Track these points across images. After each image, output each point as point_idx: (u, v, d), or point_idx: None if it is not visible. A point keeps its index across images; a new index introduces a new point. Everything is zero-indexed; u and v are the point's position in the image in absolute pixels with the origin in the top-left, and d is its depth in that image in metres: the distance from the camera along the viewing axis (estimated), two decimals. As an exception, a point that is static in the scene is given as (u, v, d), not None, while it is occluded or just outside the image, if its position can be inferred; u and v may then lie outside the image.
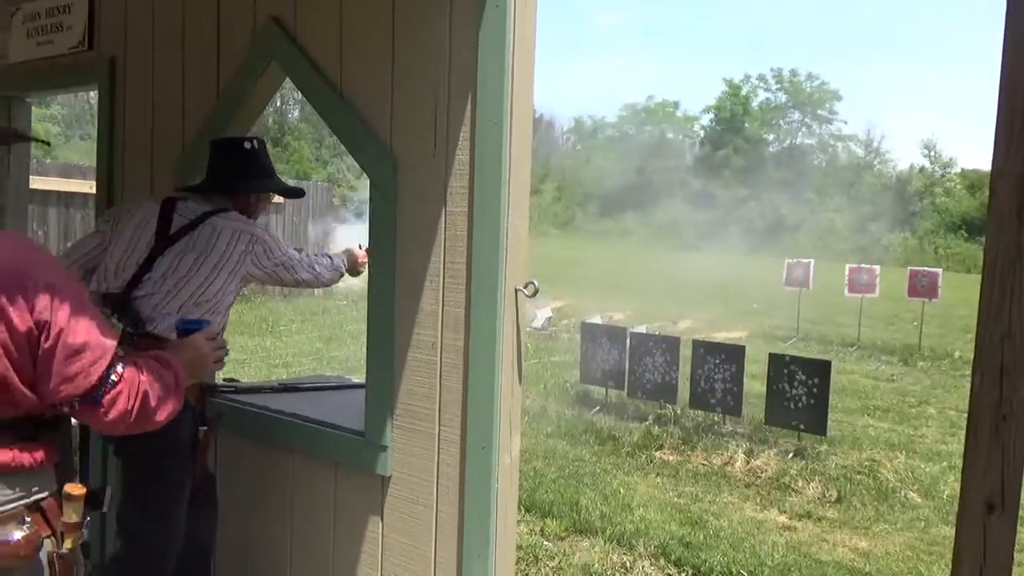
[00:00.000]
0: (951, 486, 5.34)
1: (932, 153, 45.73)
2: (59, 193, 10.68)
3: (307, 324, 11.35)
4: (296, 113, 37.64)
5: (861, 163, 47.64)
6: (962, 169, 43.66)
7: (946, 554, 4.13)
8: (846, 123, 50.64)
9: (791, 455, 5.87)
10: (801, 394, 5.88)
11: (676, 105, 54.06)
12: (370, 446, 2.07)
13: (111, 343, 1.36)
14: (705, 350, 6.49)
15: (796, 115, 50.84)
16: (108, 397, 1.34)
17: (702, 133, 52.46)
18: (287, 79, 2.41)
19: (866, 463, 5.80)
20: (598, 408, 7.06)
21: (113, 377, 1.34)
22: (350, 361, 8.58)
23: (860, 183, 43.59)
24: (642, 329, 7.78)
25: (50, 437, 1.39)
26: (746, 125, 49.08)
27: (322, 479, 2.24)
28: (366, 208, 2.11)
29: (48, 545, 1.36)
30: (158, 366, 1.47)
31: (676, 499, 5.02)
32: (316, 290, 11.43)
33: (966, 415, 1.09)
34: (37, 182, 9.65)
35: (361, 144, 2.09)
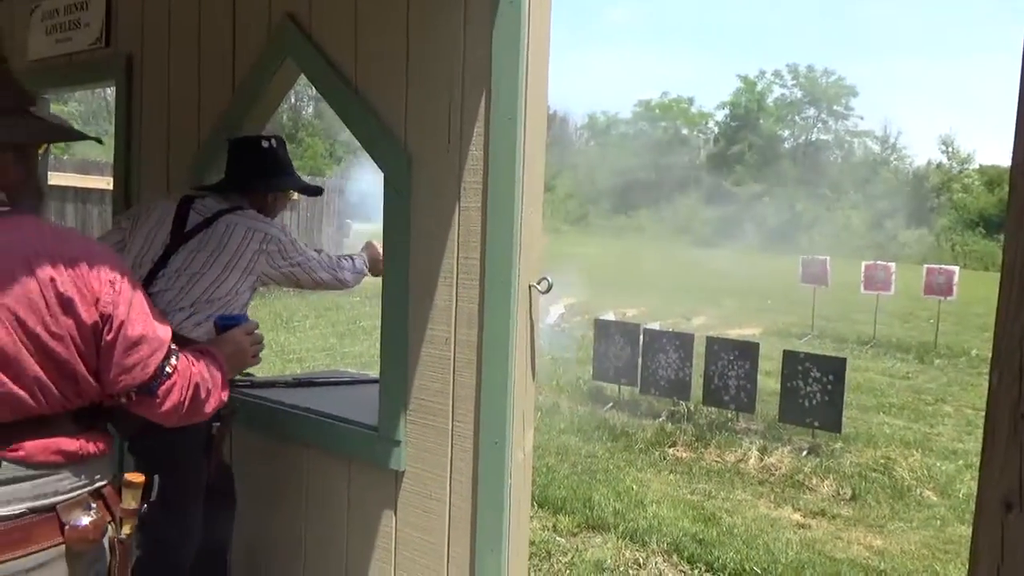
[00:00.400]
0: (967, 484, 5.30)
1: (950, 149, 45.31)
2: (76, 189, 10.78)
3: (321, 320, 11.40)
4: (310, 109, 37.78)
5: (877, 159, 47.25)
6: (980, 165, 43.23)
7: (962, 553, 4.10)
8: (862, 119, 50.16)
9: (805, 453, 5.84)
10: (816, 391, 5.84)
11: (690, 101, 53.83)
12: (384, 441, 2.08)
13: (166, 336, 1.41)
14: (719, 347, 6.46)
15: (812, 111, 50.48)
16: (163, 388, 1.38)
17: (716, 129, 52.19)
18: (302, 76, 2.42)
19: (881, 461, 5.76)
20: (611, 405, 7.05)
21: (168, 369, 1.39)
22: (364, 356, 8.62)
23: (876, 179, 43.23)
24: (655, 326, 7.76)
25: (107, 426, 1.43)
26: (761, 121, 48.78)
27: (336, 474, 2.25)
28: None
29: (109, 531, 1.40)
30: (207, 359, 1.51)
31: (689, 496, 5.01)
32: (330, 286, 11.47)
33: (983, 413, 1.08)
34: (55, 178, 9.76)
35: (375, 140, 2.09)
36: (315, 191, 2.65)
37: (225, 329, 1.76)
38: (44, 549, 1.30)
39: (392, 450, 2.06)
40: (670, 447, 5.95)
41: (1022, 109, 0.97)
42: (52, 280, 1.26)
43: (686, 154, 49.22)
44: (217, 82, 2.58)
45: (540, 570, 3.80)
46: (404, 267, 2.03)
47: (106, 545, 1.40)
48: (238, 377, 2.61)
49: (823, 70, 49.99)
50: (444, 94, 1.92)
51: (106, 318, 1.31)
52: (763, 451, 5.77)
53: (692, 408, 6.76)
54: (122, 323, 1.33)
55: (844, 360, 5.99)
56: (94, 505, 1.37)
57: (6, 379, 1.25)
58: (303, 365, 8.13)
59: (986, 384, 1.05)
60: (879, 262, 12.49)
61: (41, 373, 1.28)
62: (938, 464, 5.86)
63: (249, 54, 2.45)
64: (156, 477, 1.58)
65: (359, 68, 2.12)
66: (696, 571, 3.89)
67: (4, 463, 1.27)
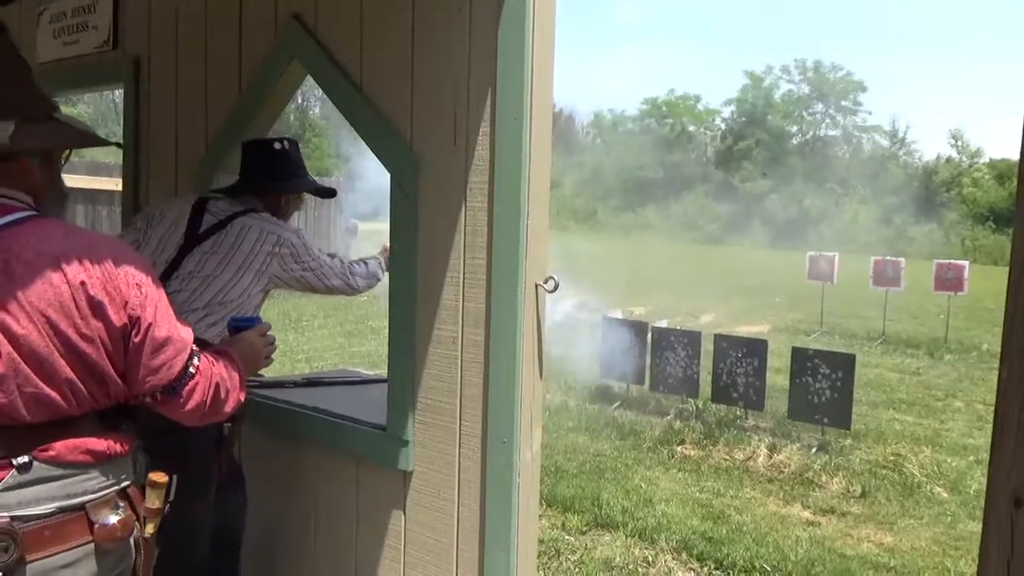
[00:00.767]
0: (978, 480, 5.27)
1: (959, 143, 45.03)
2: (85, 190, 10.85)
3: (330, 319, 11.43)
4: (317, 110, 37.86)
5: (886, 154, 46.99)
6: (990, 159, 42.93)
7: (973, 549, 4.08)
8: (871, 114, 49.97)
9: (814, 450, 5.82)
10: (825, 388, 5.82)
11: (697, 98, 53.63)
12: (392, 440, 2.09)
13: (189, 337, 1.44)
14: (727, 344, 6.45)
15: (820, 106, 50.23)
16: (187, 389, 1.41)
17: (723, 126, 52.02)
18: (308, 76, 2.43)
19: (891, 457, 5.74)
20: (619, 403, 7.05)
21: (191, 369, 1.42)
22: (372, 356, 8.64)
23: (885, 174, 43.00)
24: (663, 323, 7.75)
25: (131, 426, 1.45)
26: (769, 117, 48.59)
27: (345, 473, 2.26)
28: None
29: (135, 529, 1.43)
30: (225, 360, 1.55)
31: (698, 494, 5.00)
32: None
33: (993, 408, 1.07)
34: (66, 180, 9.81)
35: (381, 140, 2.09)
36: (328, 193, 2.64)
37: (238, 331, 1.78)
38: (75, 547, 1.32)
39: (400, 450, 2.06)
40: (678, 445, 5.94)
41: (1030, 103, 0.96)
42: (82, 284, 1.28)
43: (693, 151, 49.09)
44: (224, 83, 2.59)
45: (549, 569, 3.80)
46: (411, 267, 2.03)
47: (131, 544, 1.42)
48: (248, 377, 2.63)
49: (831, 65, 49.74)
50: (450, 94, 1.93)
51: (134, 321, 1.34)
52: (772, 448, 5.75)
53: (700, 406, 6.74)
54: (149, 325, 1.35)
55: (853, 356, 5.97)
56: (122, 504, 1.39)
57: (39, 381, 1.27)
58: (312, 365, 8.15)
59: (996, 379, 1.04)
60: (888, 258, 12.43)
61: (72, 375, 1.30)
62: (949, 460, 5.83)
63: (256, 55, 2.46)
64: (173, 478, 1.59)
65: (365, 68, 2.12)
66: (705, 569, 3.89)
67: (35, 463, 1.29)
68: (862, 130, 49.59)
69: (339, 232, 15.27)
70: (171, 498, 1.51)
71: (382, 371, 2.44)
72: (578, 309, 11.65)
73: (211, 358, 1.50)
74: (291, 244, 2.26)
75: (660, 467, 5.51)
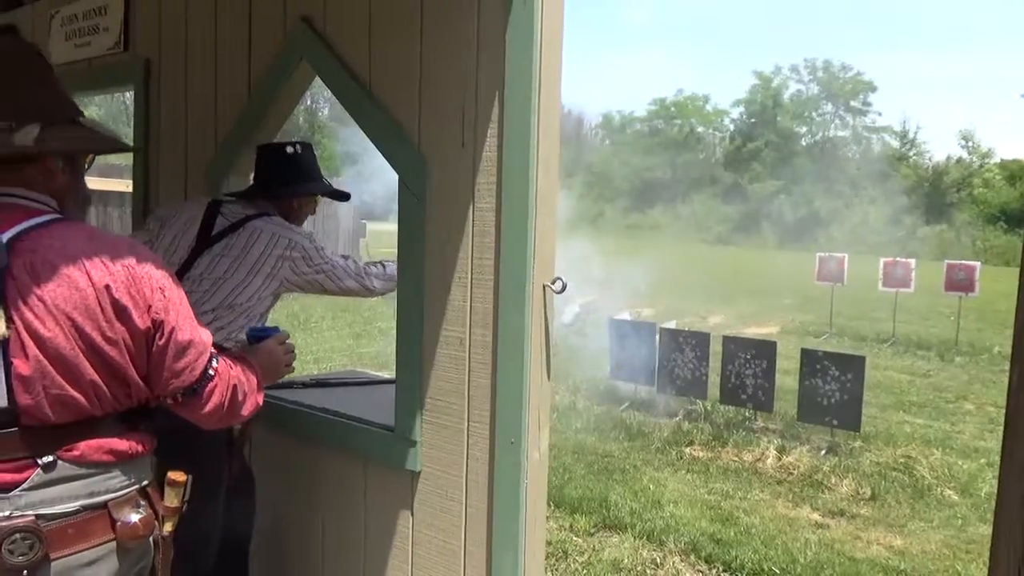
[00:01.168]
0: (989, 483, 5.24)
1: (970, 143, 44.79)
2: (96, 192, 10.92)
3: (338, 320, 11.47)
4: (326, 111, 37.98)
5: (896, 155, 46.77)
6: (1001, 159, 42.70)
7: (983, 552, 4.05)
8: (880, 114, 49.83)
9: (824, 452, 5.79)
10: (834, 390, 5.80)
11: (706, 99, 53.57)
12: (400, 441, 2.09)
13: (209, 340, 1.46)
14: (736, 346, 6.43)
15: (829, 107, 50.07)
16: (207, 390, 1.44)
17: (732, 127, 51.89)
18: (317, 78, 2.44)
19: (901, 460, 5.71)
20: (627, 404, 7.04)
21: (210, 371, 1.44)
22: (381, 357, 8.65)
23: (895, 175, 42.80)
24: (672, 325, 7.73)
25: (150, 426, 1.47)
26: (778, 118, 48.45)
27: (353, 474, 2.26)
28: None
29: (155, 528, 1.45)
30: (243, 363, 1.57)
31: (706, 496, 4.98)
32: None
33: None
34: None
35: (390, 141, 2.10)
36: (342, 196, 2.62)
37: (258, 340, 1.81)
38: (97, 545, 1.33)
39: (408, 450, 2.07)
40: (687, 446, 5.93)
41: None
42: (107, 287, 1.29)
43: (702, 152, 48.98)
44: (233, 86, 2.60)
45: (557, 570, 3.80)
46: (419, 268, 2.04)
47: (151, 542, 1.44)
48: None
49: (840, 65, 49.65)
50: (458, 95, 1.93)
51: (157, 324, 1.35)
52: (781, 450, 5.73)
53: (709, 407, 6.73)
54: (173, 329, 1.37)
55: (863, 358, 5.94)
56: (143, 503, 1.41)
57: (64, 382, 1.29)
58: (320, 366, 8.18)
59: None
60: (898, 259, 12.37)
61: (96, 377, 1.31)
62: (959, 463, 5.80)
63: (265, 57, 2.47)
64: (188, 477, 1.61)
65: (373, 70, 2.13)
66: (714, 571, 3.88)
67: (60, 462, 1.31)
68: (872, 131, 49.46)
69: (348, 231, 15.31)
70: (187, 497, 1.53)
71: (390, 372, 2.44)
72: (586, 310, 11.64)
73: (229, 361, 1.52)
74: (302, 248, 2.25)
75: (668, 468, 5.50)
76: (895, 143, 48.23)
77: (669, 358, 6.70)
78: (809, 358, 6.01)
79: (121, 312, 1.31)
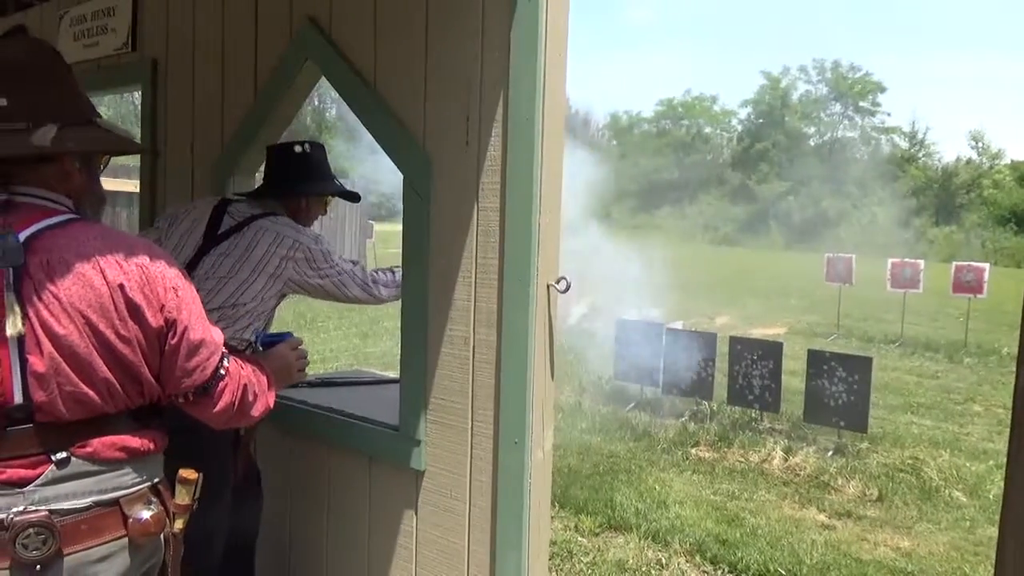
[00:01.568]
0: (997, 485, 5.20)
1: (980, 144, 44.56)
2: (107, 192, 11.00)
3: (344, 320, 11.49)
4: (333, 111, 38.07)
5: (905, 156, 46.56)
6: (1011, 160, 42.46)
7: (991, 555, 4.02)
8: (889, 115, 49.56)
9: (831, 453, 5.77)
10: (841, 391, 5.78)
11: (713, 99, 53.45)
12: (404, 440, 2.09)
13: (220, 339, 1.47)
14: (742, 346, 6.41)
15: (838, 107, 49.90)
16: (218, 390, 1.45)
17: (740, 127, 51.76)
18: (323, 78, 2.44)
19: (909, 461, 5.68)
20: (633, 404, 7.03)
21: (222, 371, 1.45)
22: (386, 357, 8.67)
23: (904, 176, 42.61)
24: (678, 325, 7.72)
25: (161, 424, 1.48)
26: (786, 118, 48.31)
27: (358, 473, 2.27)
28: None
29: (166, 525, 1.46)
30: (254, 364, 1.58)
31: (712, 496, 4.97)
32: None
33: (1010, 412, 1.06)
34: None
35: (394, 141, 2.10)
36: (352, 197, 2.58)
37: (270, 346, 1.81)
38: (109, 541, 1.35)
39: (412, 450, 2.07)
40: (693, 447, 5.91)
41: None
42: (121, 286, 1.31)
43: (709, 152, 48.89)
44: (240, 85, 2.61)
45: (562, 570, 3.80)
46: (423, 268, 2.04)
47: (162, 539, 1.45)
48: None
49: (849, 65, 49.49)
50: (462, 95, 1.93)
51: (170, 323, 1.36)
52: (787, 451, 5.71)
53: (715, 408, 6.71)
54: (185, 328, 1.38)
55: (870, 359, 5.92)
56: (154, 500, 1.42)
57: (79, 380, 1.30)
58: (326, 365, 8.19)
59: (1012, 383, 1.03)
60: (907, 260, 12.31)
61: (110, 375, 1.32)
62: (967, 464, 5.76)
63: (271, 57, 2.48)
64: (199, 475, 1.61)
65: (378, 70, 2.13)
66: (719, 572, 3.87)
67: (73, 459, 1.32)
68: (881, 131, 49.24)
69: (355, 232, 15.34)
70: (198, 495, 1.54)
71: (396, 372, 2.45)
72: (592, 310, 11.63)
73: (239, 361, 1.53)
74: (307, 249, 2.23)
75: (674, 469, 5.49)
76: (904, 144, 48.04)
77: (675, 359, 6.69)
78: (816, 359, 5.99)
79: (134, 311, 1.32)
